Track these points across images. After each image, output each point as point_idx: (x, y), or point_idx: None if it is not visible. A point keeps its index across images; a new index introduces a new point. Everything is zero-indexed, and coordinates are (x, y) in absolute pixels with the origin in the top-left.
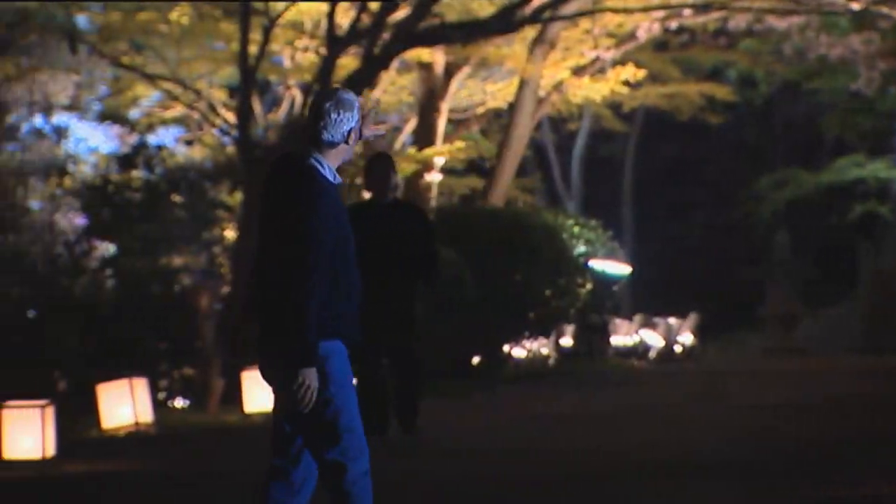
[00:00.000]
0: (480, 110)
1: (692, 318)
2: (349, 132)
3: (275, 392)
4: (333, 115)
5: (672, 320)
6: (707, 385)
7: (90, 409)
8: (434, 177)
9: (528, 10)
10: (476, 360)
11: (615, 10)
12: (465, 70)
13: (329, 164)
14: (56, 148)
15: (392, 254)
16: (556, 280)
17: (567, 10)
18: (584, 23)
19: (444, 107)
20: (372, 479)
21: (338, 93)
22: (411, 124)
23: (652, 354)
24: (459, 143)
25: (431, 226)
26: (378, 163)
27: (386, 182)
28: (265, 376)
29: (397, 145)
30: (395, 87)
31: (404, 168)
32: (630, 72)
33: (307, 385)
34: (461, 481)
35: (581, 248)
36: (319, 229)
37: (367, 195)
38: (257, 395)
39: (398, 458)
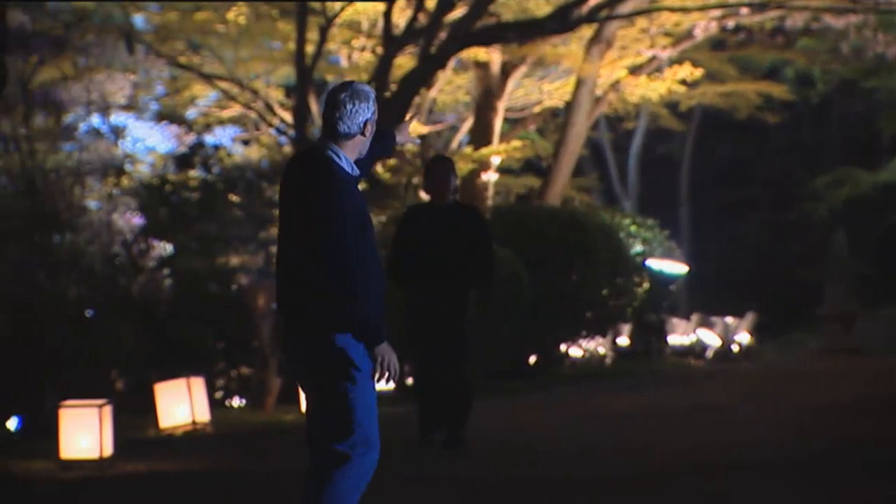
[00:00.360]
0: (537, 109)
1: (749, 317)
2: (365, 123)
3: (304, 388)
4: (349, 106)
5: (729, 320)
6: (765, 385)
7: (148, 408)
8: (490, 176)
9: (584, 9)
10: (533, 359)
11: (672, 9)
12: (522, 69)
13: (346, 156)
14: (113, 147)
15: (448, 257)
16: (614, 279)
17: (624, 9)
18: (641, 22)
19: (501, 106)
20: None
21: (353, 84)
22: (468, 123)
23: (709, 354)
24: (516, 143)
25: (488, 230)
26: (438, 165)
27: (445, 184)
28: (295, 373)
29: (454, 144)
30: (451, 86)
31: (461, 167)
32: (687, 71)
33: (385, 360)
34: (520, 481)
35: (638, 248)
36: (346, 217)
37: (424, 196)
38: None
39: (459, 458)
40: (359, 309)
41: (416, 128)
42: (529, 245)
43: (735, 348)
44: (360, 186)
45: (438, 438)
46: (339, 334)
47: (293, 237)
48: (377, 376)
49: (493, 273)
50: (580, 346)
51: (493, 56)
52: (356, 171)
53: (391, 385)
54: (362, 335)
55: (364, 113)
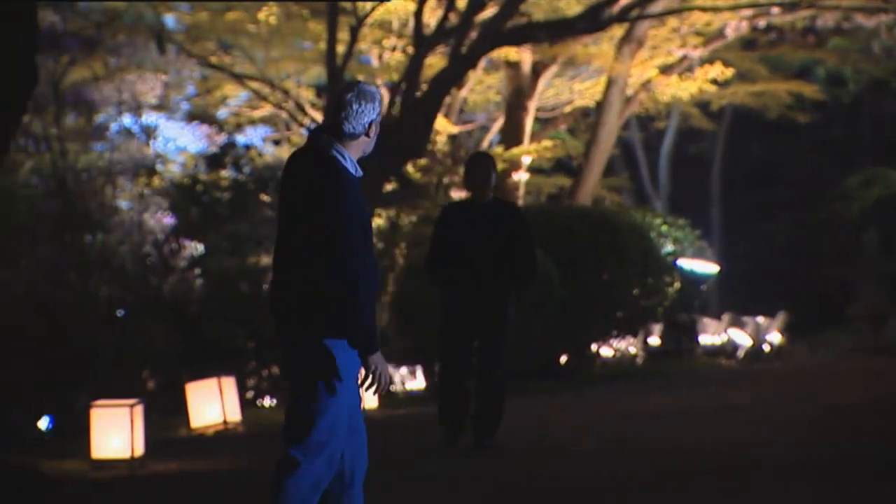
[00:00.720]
0: (568, 109)
1: (780, 317)
2: (370, 124)
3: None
4: (355, 107)
5: (760, 319)
6: (796, 385)
7: (179, 408)
8: (521, 176)
9: (615, 8)
10: (564, 359)
11: (703, 9)
12: (553, 69)
13: (350, 156)
14: (145, 147)
15: (489, 256)
16: (645, 279)
17: (654, 8)
18: (672, 21)
19: (532, 105)
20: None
21: (359, 84)
22: (498, 123)
23: (740, 354)
24: (547, 142)
25: (529, 227)
26: (478, 161)
27: (486, 182)
28: (287, 370)
29: (484, 144)
30: (482, 86)
31: None
32: (718, 70)
33: (378, 370)
34: (549, 480)
35: (669, 248)
36: (351, 219)
37: (454, 194)
38: None
39: (488, 458)
40: (360, 314)
41: (446, 127)
42: (560, 244)
43: (766, 348)
44: (389, 186)
45: (470, 441)
46: (331, 339)
47: (295, 236)
48: (366, 385)
49: (536, 271)
50: (611, 346)
51: (524, 56)
52: (359, 172)
53: (374, 397)
54: (361, 342)
55: (369, 114)
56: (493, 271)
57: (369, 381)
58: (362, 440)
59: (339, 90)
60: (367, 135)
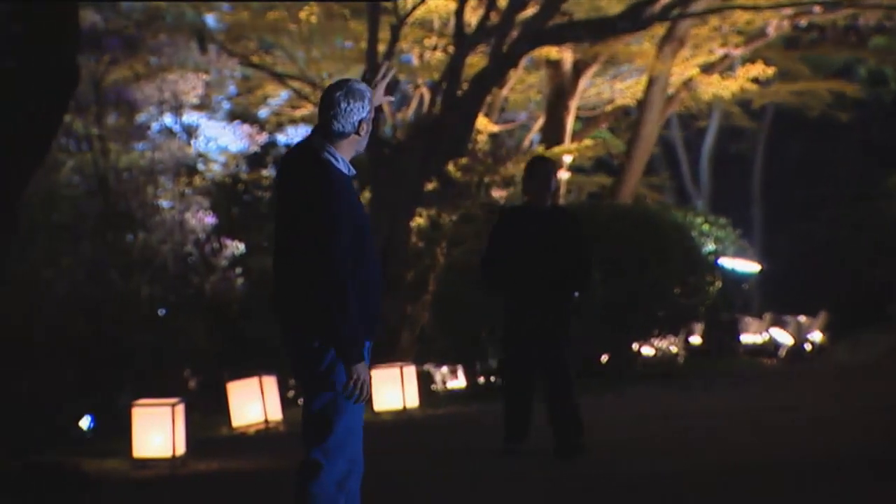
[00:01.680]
0: (609, 108)
1: (822, 316)
2: (360, 122)
3: (303, 387)
4: (343, 105)
5: (801, 318)
6: (836, 384)
7: (220, 407)
8: (562, 175)
9: (656, 7)
10: (605, 358)
11: (744, 8)
12: (594, 68)
13: (342, 156)
14: (186, 147)
15: (548, 261)
16: (686, 278)
17: (696, 7)
18: (713, 20)
19: (573, 104)
20: (509, 481)
21: (349, 83)
22: (539, 122)
23: (781, 353)
24: (588, 141)
25: (585, 233)
26: (540, 166)
27: (546, 187)
28: (294, 373)
29: (525, 143)
30: (523, 85)
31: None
32: (759, 69)
33: (359, 379)
34: (599, 478)
35: (710, 247)
36: (340, 225)
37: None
38: (386, 393)
39: (535, 458)
40: (343, 324)
41: (487, 126)
42: (601, 243)
43: (807, 347)
44: (430, 186)
45: (553, 446)
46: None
47: (289, 238)
48: (347, 394)
49: (591, 277)
50: (652, 345)
51: (565, 55)
52: (352, 171)
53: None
54: (342, 352)
55: (359, 112)
56: (550, 277)
57: (349, 391)
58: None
59: (327, 88)
60: (357, 133)
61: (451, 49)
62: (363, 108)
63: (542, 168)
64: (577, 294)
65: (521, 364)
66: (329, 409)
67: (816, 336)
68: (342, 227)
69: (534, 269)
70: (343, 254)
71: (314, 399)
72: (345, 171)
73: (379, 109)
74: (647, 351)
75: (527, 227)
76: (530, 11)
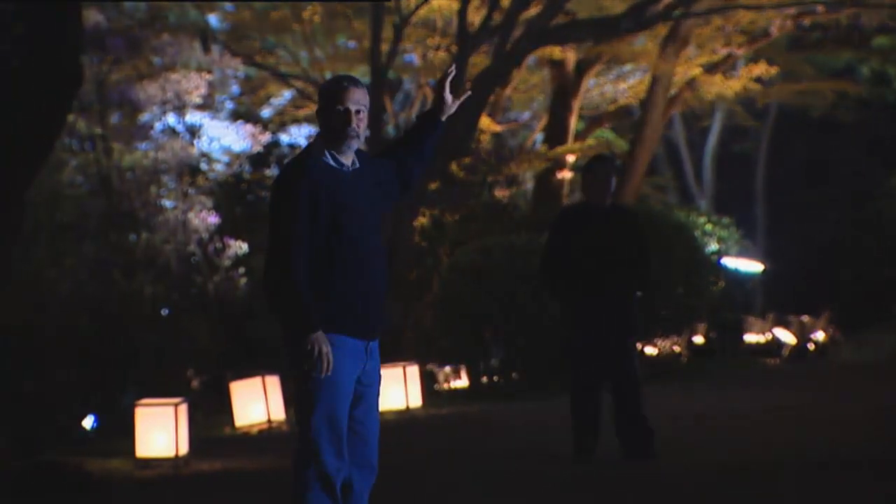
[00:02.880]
0: (612, 107)
1: (825, 315)
2: (338, 114)
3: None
4: (324, 101)
5: (805, 318)
6: (840, 384)
7: (223, 407)
8: (565, 175)
9: (659, 7)
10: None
11: (747, 7)
12: (597, 67)
13: (334, 151)
14: (189, 147)
15: (612, 265)
16: (689, 278)
17: (699, 7)
18: (716, 20)
19: (576, 104)
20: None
21: (332, 78)
22: (542, 122)
23: (784, 353)
24: (591, 141)
25: (644, 232)
26: (599, 165)
27: (606, 187)
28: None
29: (528, 143)
30: (526, 84)
31: (535, 166)
32: (762, 69)
33: (317, 349)
34: (600, 478)
35: (713, 246)
36: (293, 208)
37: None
38: (389, 393)
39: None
40: (282, 297)
41: (490, 126)
42: None
43: (811, 347)
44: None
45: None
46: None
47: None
48: (307, 366)
49: (651, 277)
50: (655, 345)
51: (568, 54)
52: (347, 166)
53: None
54: (288, 323)
55: (334, 104)
56: (616, 282)
57: (309, 363)
58: (364, 447)
59: (321, 85)
60: (340, 126)
61: (454, 49)
62: (337, 103)
63: (602, 167)
64: (639, 294)
65: (587, 372)
66: (307, 402)
67: (820, 336)
68: (300, 210)
69: (597, 271)
70: (288, 238)
71: (298, 391)
72: (330, 161)
73: (382, 109)
74: (650, 350)
75: (588, 227)
76: (533, 11)
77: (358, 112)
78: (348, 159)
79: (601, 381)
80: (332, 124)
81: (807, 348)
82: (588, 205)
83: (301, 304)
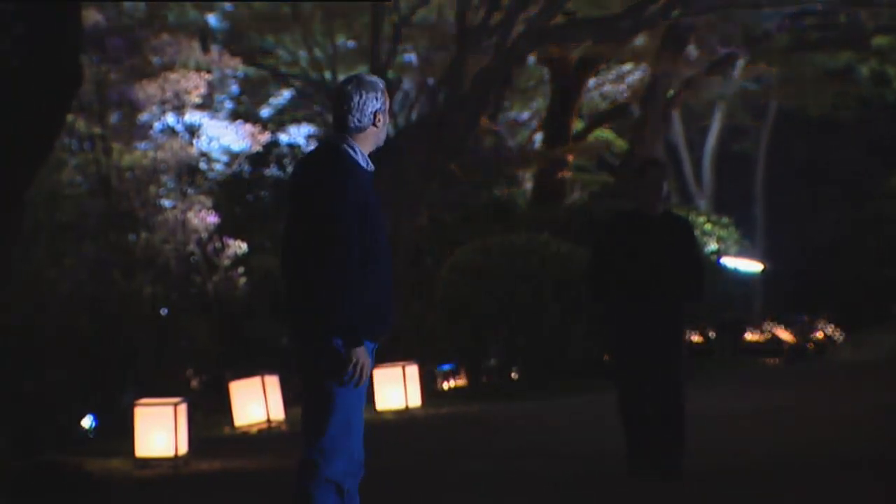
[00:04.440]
0: (611, 107)
1: (825, 315)
2: (375, 114)
3: (304, 384)
4: (356, 98)
5: (804, 318)
6: (842, 384)
7: (222, 406)
8: (566, 174)
9: (659, 6)
10: (607, 357)
11: (747, 7)
12: (597, 67)
13: (361, 150)
14: (188, 146)
15: (663, 273)
16: None
17: (698, 6)
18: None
19: (576, 104)
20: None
21: (359, 76)
22: (543, 122)
23: (784, 352)
24: (590, 140)
25: (696, 239)
26: (651, 170)
27: (657, 192)
28: (298, 371)
29: (529, 143)
30: (526, 84)
31: (535, 166)
32: (761, 68)
33: (358, 363)
34: (601, 478)
35: (713, 246)
36: (347, 210)
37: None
38: (389, 392)
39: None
40: (342, 304)
41: (490, 125)
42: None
43: (810, 346)
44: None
45: (653, 469)
46: (335, 337)
47: (298, 232)
48: (347, 377)
49: (703, 286)
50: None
51: (568, 54)
52: (371, 167)
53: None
54: (342, 333)
55: (372, 103)
56: (667, 290)
57: (349, 375)
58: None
59: (338, 84)
60: (374, 125)
61: (453, 49)
62: (377, 99)
63: (653, 172)
64: (689, 302)
65: (636, 383)
66: (325, 407)
67: (819, 335)
68: (351, 213)
69: (651, 280)
70: (350, 237)
71: (312, 397)
72: (363, 164)
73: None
74: None
75: (639, 235)
76: (533, 11)
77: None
78: (368, 159)
79: (647, 389)
80: (381, 122)
81: (806, 348)
82: (639, 213)
83: (355, 316)
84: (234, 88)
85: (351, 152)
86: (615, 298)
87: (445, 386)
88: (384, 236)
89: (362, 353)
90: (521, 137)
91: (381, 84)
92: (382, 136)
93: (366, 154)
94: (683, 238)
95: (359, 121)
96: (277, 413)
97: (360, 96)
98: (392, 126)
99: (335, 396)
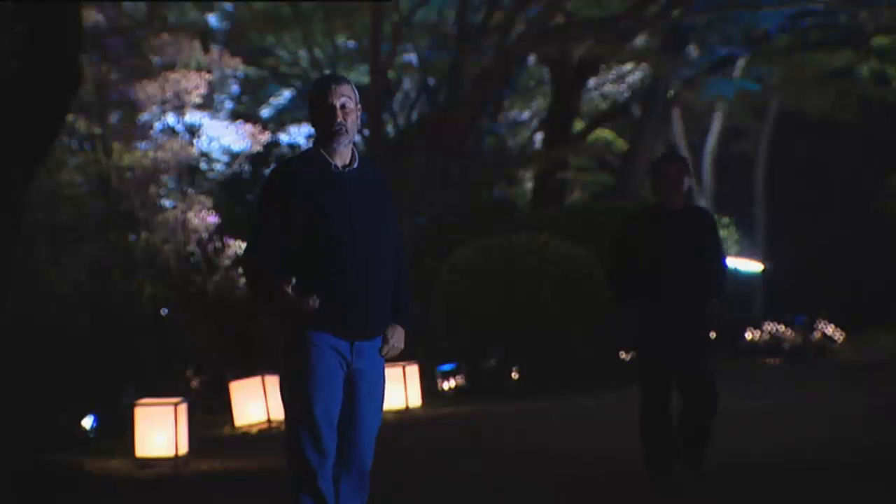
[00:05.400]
0: (611, 107)
1: (824, 315)
2: (330, 109)
3: None
4: (309, 101)
5: (804, 318)
6: (842, 384)
7: (223, 406)
8: (566, 174)
9: (658, 7)
10: (609, 358)
11: (747, 7)
12: (597, 67)
13: (325, 150)
14: (188, 146)
15: (684, 267)
16: None
17: (698, 6)
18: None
19: (576, 104)
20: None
21: (321, 77)
22: (543, 122)
23: (784, 352)
24: (591, 140)
25: (720, 235)
26: (670, 164)
27: (678, 187)
28: None
29: (529, 143)
30: (526, 83)
31: (536, 166)
32: (762, 69)
33: (287, 301)
34: (602, 478)
35: None
36: (268, 211)
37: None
38: (389, 392)
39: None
40: (254, 284)
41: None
42: (603, 243)
43: (810, 346)
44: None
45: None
46: (310, 331)
47: None
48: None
49: (725, 283)
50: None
51: (568, 53)
52: (337, 165)
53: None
54: (265, 305)
55: (316, 105)
56: (690, 288)
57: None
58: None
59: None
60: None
61: (454, 49)
62: (322, 100)
63: (673, 166)
64: (711, 299)
65: (658, 386)
66: (284, 395)
67: (819, 335)
68: (266, 210)
69: (670, 275)
70: (258, 242)
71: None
72: (321, 164)
73: (382, 108)
74: None
75: (660, 230)
76: (533, 10)
77: (343, 106)
78: (343, 158)
79: (670, 392)
80: (320, 122)
81: (806, 348)
82: (660, 208)
83: (264, 290)
84: (235, 88)
85: (305, 152)
86: (637, 298)
87: (445, 386)
88: (350, 236)
89: (287, 299)
90: (521, 137)
91: (315, 85)
92: (333, 132)
93: (332, 152)
94: (706, 232)
95: (312, 122)
96: (278, 413)
97: (310, 99)
98: (392, 126)
99: (292, 385)
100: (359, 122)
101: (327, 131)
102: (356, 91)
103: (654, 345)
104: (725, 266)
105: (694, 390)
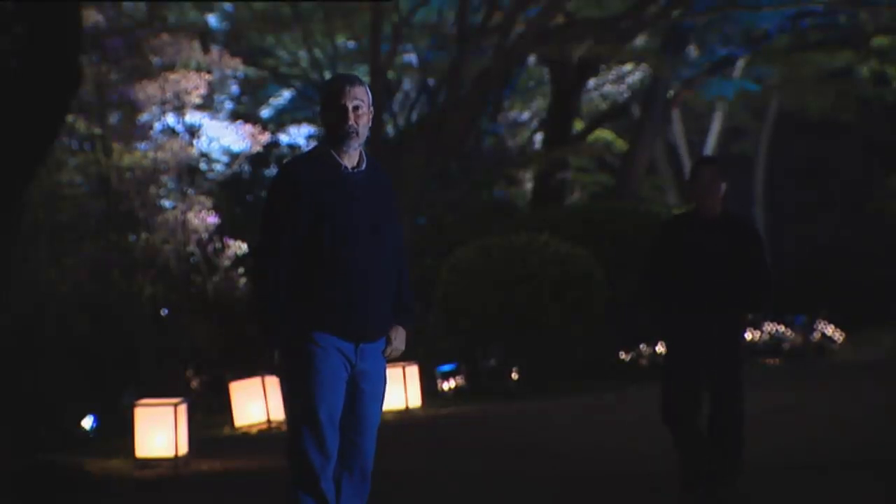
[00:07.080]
0: (611, 107)
1: (824, 315)
2: (342, 111)
3: None
4: (322, 101)
5: (804, 318)
6: (842, 384)
7: (223, 407)
8: (566, 175)
9: (658, 7)
10: (609, 357)
11: (747, 8)
12: (597, 67)
13: (335, 150)
14: (188, 147)
15: (724, 280)
16: None
17: (698, 7)
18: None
19: (576, 104)
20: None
21: (332, 77)
22: (543, 122)
23: (785, 353)
24: (590, 140)
25: (762, 243)
26: (706, 168)
27: (714, 192)
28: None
29: (529, 143)
30: (526, 84)
31: (536, 166)
32: (762, 69)
33: (271, 327)
34: (602, 478)
35: None
36: (276, 211)
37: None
38: (389, 393)
39: (533, 459)
40: (259, 308)
41: (489, 125)
42: (604, 244)
43: (810, 347)
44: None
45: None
46: (313, 334)
47: None
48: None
49: (771, 294)
50: (657, 345)
51: (568, 54)
52: (346, 166)
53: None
54: (261, 333)
55: (329, 105)
56: (728, 298)
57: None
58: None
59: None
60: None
61: (454, 49)
62: (335, 100)
63: (708, 170)
64: (753, 311)
65: (689, 396)
66: (286, 396)
67: (819, 335)
68: (274, 216)
69: (707, 285)
70: (266, 244)
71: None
72: (329, 164)
73: (382, 109)
74: (651, 351)
75: (697, 237)
76: (533, 10)
77: (356, 109)
78: (351, 160)
79: (699, 406)
80: (331, 122)
81: (806, 348)
82: (696, 214)
83: (267, 321)
84: (234, 89)
85: (310, 153)
86: (670, 311)
87: (445, 386)
88: (354, 237)
89: (279, 352)
90: (521, 138)
91: (345, 85)
92: (343, 134)
93: (341, 153)
94: (746, 242)
95: (323, 122)
96: (278, 413)
97: (321, 100)
98: (392, 126)
99: (294, 386)
100: (370, 124)
101: (338, 133)
102: (370, 94)
103: (690, 363)
104: (768, 279)
105: (724, 415)
